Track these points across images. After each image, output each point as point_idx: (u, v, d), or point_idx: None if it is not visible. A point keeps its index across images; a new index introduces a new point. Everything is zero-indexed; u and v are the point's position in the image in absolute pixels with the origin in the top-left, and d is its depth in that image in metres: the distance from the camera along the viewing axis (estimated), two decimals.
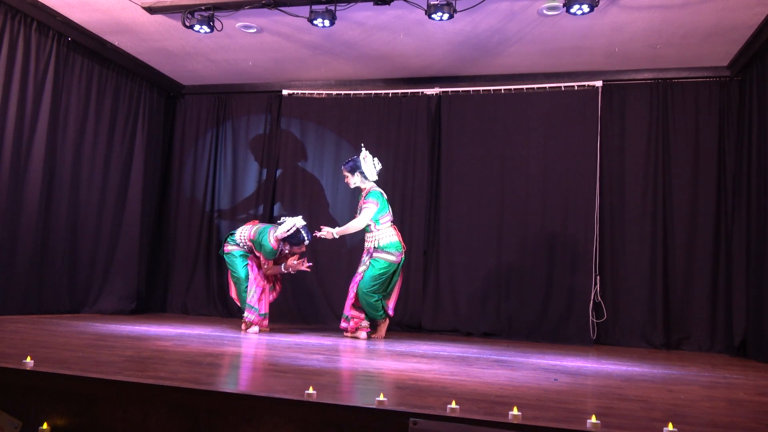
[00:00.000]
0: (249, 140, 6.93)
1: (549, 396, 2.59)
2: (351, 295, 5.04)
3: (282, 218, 5.17)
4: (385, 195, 5.15)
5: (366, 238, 5.10)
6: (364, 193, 5.14)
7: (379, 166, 5.20)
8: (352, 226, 5.05)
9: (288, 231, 4.97)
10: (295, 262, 5.05)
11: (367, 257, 5.03)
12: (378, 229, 5.02)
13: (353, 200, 6.27)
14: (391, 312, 5.13)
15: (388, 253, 4.96)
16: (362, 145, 5.35)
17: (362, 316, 5.04)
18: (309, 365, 3.21)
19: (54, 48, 5.47)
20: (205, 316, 6.52)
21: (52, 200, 5.53)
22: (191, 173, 7.02)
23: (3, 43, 5.01)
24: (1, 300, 4.99)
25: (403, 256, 5.07)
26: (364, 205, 5.05)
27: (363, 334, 5.02)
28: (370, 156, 5.16)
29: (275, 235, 5.01)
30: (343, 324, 5.09)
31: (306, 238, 5.04)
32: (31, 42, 5.26)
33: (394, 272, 5.03)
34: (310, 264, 5.12)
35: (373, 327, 5.14)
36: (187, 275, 6.82)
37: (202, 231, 6.88)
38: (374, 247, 4.99)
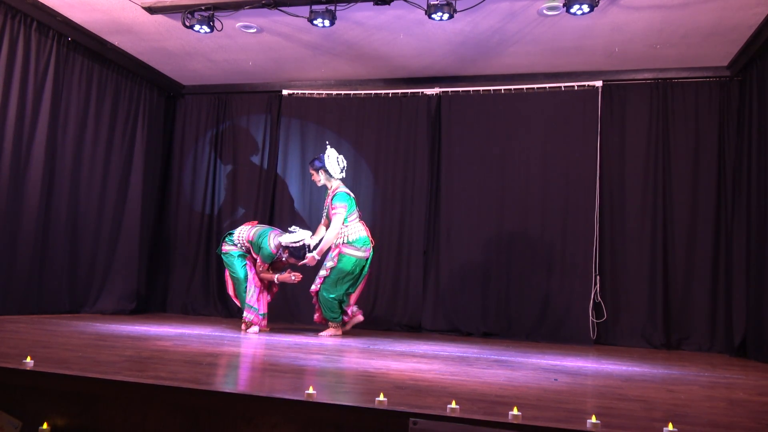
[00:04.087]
0: (249, 140, 6.93)
1: (549, 396, 2.59)
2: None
3: (293, 227, 5.16)
4: (351, 194, 5.14)
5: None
6: (330, 193, 5.13)
7: (343, 164, 5.19)
8: (328, 240, 5.00)
9: (296, 243, 4.97)
10: (292, 276, 5.04)
11: (335, 254, 5.01)
12: (346, 226, 5.03)
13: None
14: (351, 306, 5.13)
15: (355, 248, 4.96)
16: (327, 143, 5.36)
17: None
18: (309, 365, 3.21)
19: (54, 48, 5.47)
20: (205, 316, 6.52)
21: (52, 200, 5.53)
22: (191, 173, 7.03)
23: (3, 43, 5.01)
24: (1, 300, 4.99)
25: (371, 251, 5.07)
26: (333, 212, 5.02)
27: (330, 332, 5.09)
28: (335, 153, 5.16)
29: (280, 240, 5.00)
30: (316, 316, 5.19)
31: (307, 253, 5.04)
32: (31, 42, 5.26)
33: (363, 268, 5.03)
34: (299, 275, 5.08)
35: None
36: (187, 275, 6.83)
37: (202, 231, 6.88)
38: (343, 243, 4.99)
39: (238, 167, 6.93)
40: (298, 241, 4.98)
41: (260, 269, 5.12)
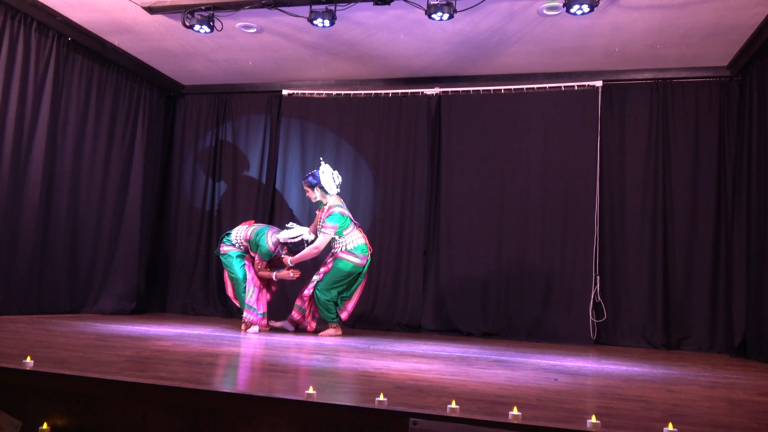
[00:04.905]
0: (249, 140, 6.94)
1: (549, 396, 2.59)
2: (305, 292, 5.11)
3: (291, 223, 5.19)
4: (345, 212, 5.07)
5: (332, 245, 5.07)
6: (325, 211, 5.07)
7: (339, 180, 5.15)
8: (306, 254, 5.01)
9: (293, 238, 4.99)
10: (291, 273, 5.06)
11: (331, 259, 5.03)
12: (343, 237, 5.01)
13: (353, 199, 6.28)
14: (345, 316, 5.12)
15: (353, 255, 4.96)
16: (321, 159, 5.37)
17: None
18: (309, 365, 3.21)
19: (54, 48, 5.47)
20: (205, 316, 6.52)
21: (52, 200, 5.53)
22: (191, 173, 7.03)
23: (3, 43, 5.01)
24: (1, 300, 4.99)
25: (369, 258, 5.05)
26: (323, 230, 4.99)
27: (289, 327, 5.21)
28: (330, 169, 5.12)
29: (278, 236, 5.02)
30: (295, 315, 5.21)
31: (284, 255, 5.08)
32: (31, 42, 5.26)
33: (359, 275, 5.03)
34: (298, 272, 5.11)
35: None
36: (187, 275, 6.83)
37: (202, 231, 6.89)
38: (341, 250, 4.99)
39: (238, 167, 6.93)
40: (296, 237, 5.00)
41: (258, 267, 5.14)
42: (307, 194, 5.24)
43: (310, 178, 5.15)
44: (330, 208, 5.05)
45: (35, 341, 3.46)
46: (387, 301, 6.23)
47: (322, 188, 5.10)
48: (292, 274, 5.05)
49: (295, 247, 5.02)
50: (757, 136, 5.03)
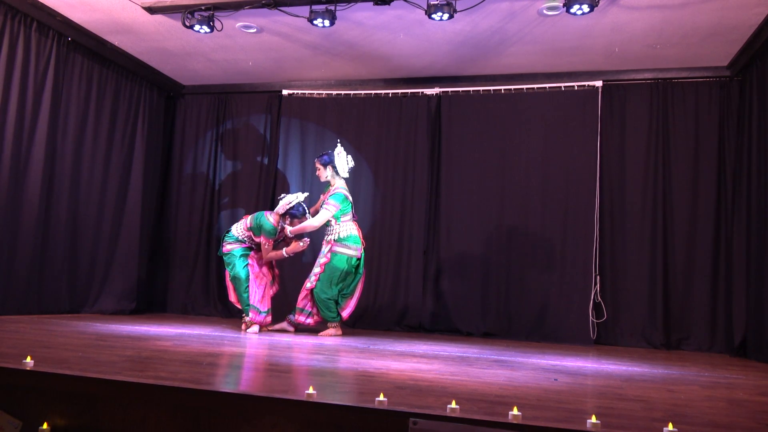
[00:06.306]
0: (249, 140, 6.94)
1: (549, 396, 2.59)
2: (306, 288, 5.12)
3: (282, 195, 5.23)
4: (349, 196, 5.16)
5: (326, 232, 5.12)
6: (330, 191, 5.15)
7: (351, 164, 5.23)
8: (307, 226, 5.06)
9: (290, 203, 5.05)
10: (300, 244, 5.09)
11: (327, 251, 5.05)
12: (338, 224, 5.07)
13: (353, 198, 6.26)
14: (346, 314, 5.13)
15: (347, 246, 5.00)
16: (338, 140, 5.41)
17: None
18: (309, 365, 3.21)
19: (54, 48, 5.47)
20: (205, 316, 6.52)
21: (52, 200, 5.53)
22: (191, 173, 7.03)
23: (3, 43, 5.01)
24: (1, 300, 4.99)
25: (363, 251, 5.09)
26: (325, 206, 5.06)
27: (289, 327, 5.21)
28: (344, 152, 5.20)
29: (276, 210, 5.09)
30: (300, 318, 5.16)
31: (306, 210, 5.12)
32: (31, 42, 5.26)
33: (356, 268, 5.05)
34: (307, 240, 5.15)
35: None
36: (187, 275, 6.83)
37: (202, 231, 6.89)
38: (334, 240, 5.03)
39: (238, 168, 6.93)
40: (292, 202, 5.07)
41: (267, 248, 5.12)
42: (318, 173, 5.28)
43: (325, 157, 5.21)
44: (336, 188, 5.12)
45: (35, 341, 3.46)
46: (387, 301, 6.23)
47: (334, 168, 5.16)
48: (302, 244, 5.09)
49: (295, 209, 5.06)
50: (757, 136, 5.03)
